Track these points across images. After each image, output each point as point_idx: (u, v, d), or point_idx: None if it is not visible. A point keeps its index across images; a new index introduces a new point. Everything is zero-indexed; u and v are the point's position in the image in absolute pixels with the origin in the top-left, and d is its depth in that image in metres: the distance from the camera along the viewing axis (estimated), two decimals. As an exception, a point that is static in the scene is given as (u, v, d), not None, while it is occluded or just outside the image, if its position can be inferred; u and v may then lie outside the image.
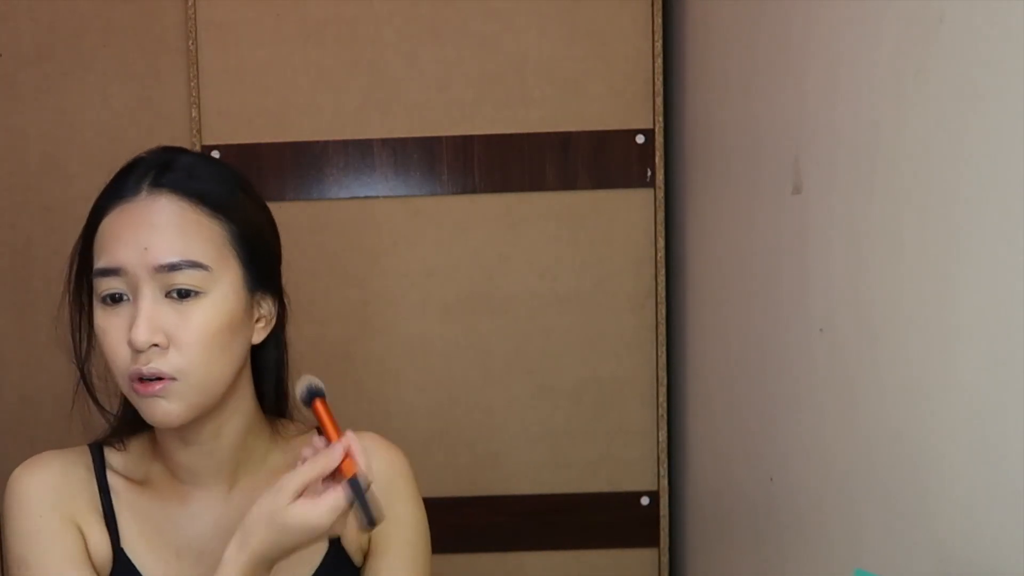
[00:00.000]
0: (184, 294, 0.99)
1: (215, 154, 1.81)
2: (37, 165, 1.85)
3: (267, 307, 1.08)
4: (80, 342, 1.07)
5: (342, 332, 1.86)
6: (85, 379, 1.09)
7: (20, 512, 1.06)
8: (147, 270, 0.99)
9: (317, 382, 1.02)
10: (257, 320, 1.07)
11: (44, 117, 1.85)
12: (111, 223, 1.02)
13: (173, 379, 0.99)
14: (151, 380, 0.98)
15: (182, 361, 0.99)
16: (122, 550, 1.08)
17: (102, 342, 1.01)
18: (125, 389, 1.02)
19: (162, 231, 1.00)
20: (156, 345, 0.98)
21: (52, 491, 1.07)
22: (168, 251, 0.99)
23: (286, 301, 1.12)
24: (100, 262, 1.01)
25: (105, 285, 1.00)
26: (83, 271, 1.05)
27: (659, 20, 1.82)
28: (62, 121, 1.85)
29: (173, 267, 0.99)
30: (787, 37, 1.28)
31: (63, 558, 1.05)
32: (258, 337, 1.08)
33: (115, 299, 1.00)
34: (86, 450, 1.11)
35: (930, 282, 0.92)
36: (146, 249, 0.99)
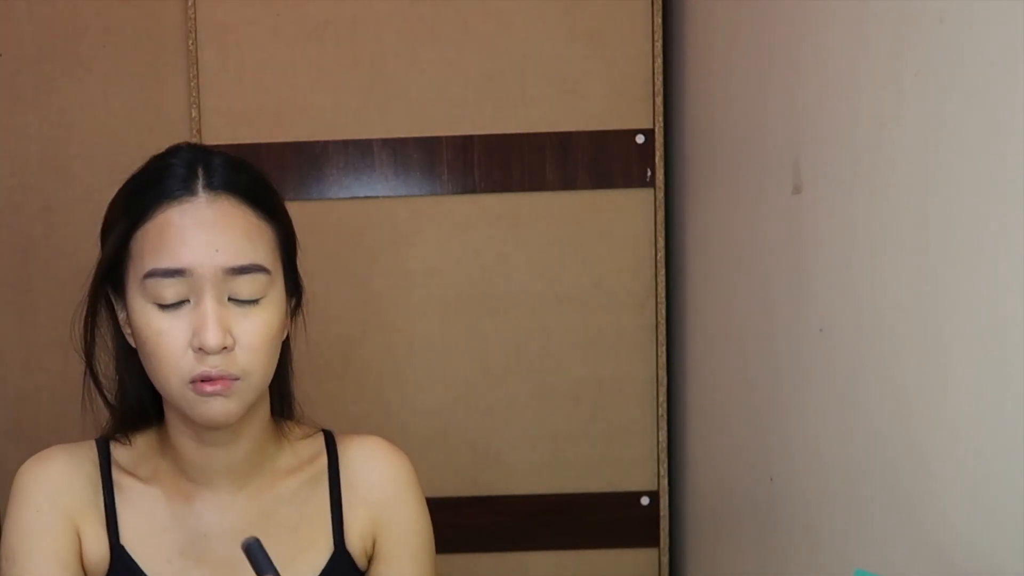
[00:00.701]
0: (246, 299, 1.00)
1: (215, 154, 1.82)
2: (37, 165, 1.85)
3: (290, 307, 1.09)
4: (91, 340, 1.08)
5: (342, 332, 1.86)
6: (95, 376, 1.09)
7: (19, 505, 1.08)
8: (216, 272, 0.98)
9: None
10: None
11: (44, 117, 1.85)
12: (169, 224, 1.00)
13: (237, 379, 1.00)
14: (215, 379, 0.99)
15: (247, 362, 1.00)
16: (121, 546, 1.08)
17: (154, 343, 1.00)
18: (177, 391, 1.00)
19: (230, 234, 1.00)
20: (225, 348, 0.98)
21: (53, 487, 1.08)
22: (239, 254, 0.99)
23: (304, 303, 1.12)
24: (161, 263, 0.99)
25: (164, 287, 0.99)
26: (112, 271, 1.04)
27: (659, 20, 1.82)
28: (62, 121, 1.85)
29: (243, 270, 0.99)
30: (787, 37, 1.28)
31: (49, 555, 1.05)
32: (282, 336, 1.08)
33: (173, 302, 0.99)
34: (93, 445, 1.12)
35: (930, 282, 0.92)
36: (217, 251, 0.99)
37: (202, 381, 0.99)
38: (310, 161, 1.84)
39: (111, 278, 1.05)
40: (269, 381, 1.05)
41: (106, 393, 1.10)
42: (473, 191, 1.85)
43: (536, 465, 1.89)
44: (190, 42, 1.81)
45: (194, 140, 1.81)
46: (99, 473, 1.10)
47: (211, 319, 0.98)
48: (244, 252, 1.00)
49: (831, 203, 1.15)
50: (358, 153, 1.84)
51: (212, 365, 0.98)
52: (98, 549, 1.08)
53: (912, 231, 0.95)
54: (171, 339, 0.99)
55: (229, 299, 1.00)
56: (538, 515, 1.90)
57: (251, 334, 1.00)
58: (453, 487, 1.89)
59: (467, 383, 1.88)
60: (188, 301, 0.99)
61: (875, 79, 1.02)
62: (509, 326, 1.87)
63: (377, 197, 1.85)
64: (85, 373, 1.09)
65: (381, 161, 1.84)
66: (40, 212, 1.85)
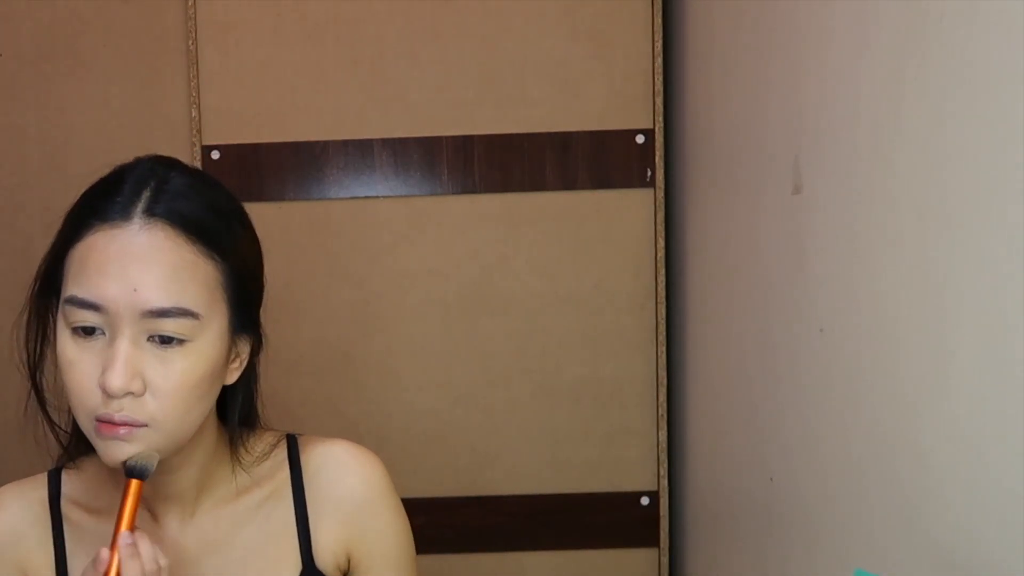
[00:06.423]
0: (167, 340, 0.92)
1: (215, 154, 1.81)
2: (37, 165, 1.85)
3: (244, 347, 1.02)
4: (35, 353, 1.02)
5: (342, 332, 1.86)
6: (38, 391, 1.03)
7: None
8: (133, 313, 0.91)
9: (147, 463, 0.94)
10: (232, 360, 1.01)
11: (44, 117, 1.85)
12: (94, 249, 0.93)
13: (144, 426, 0.92)
14: (116, 423, 0.91)
15: (157, 409, 0.92)
16: None
17: (66, 373, 0.93)
18: (85, 427, 0.94)
19: (155, 271, 0.91)
20: (131, 393, 0.91)
21: (2, 537, 1.04)
22: (159, 296, 0.91)
23: (263, 337, 1.04)
24: (79, 291, 0.92)
25: (79, 317, 0.92)
26: (49, 286, 0.98)
27: (659, 20, 1.82)
28: (62, 121, 1.85)
29: (163, 313, 0.91)
30: (787, 37, 1.28)
31: None
32: (231, 378, 1.01)
33: (88, 331, 0.93)
34: (44, 480, 1.07)
35: (929, 282, 0.92)
36: (135, 290, 0.91)
37: (104, 422, 0.91)
38: (310, 161, 1.84)
39: (53, 288, 0.98)
40: (191, 430, 0.96)
41: (50, 412, 1.04)
42: (473, 191, 1.85)
43: (536, 465, 1.89)
44: (190, 42, 1.81)
45: (194, 140, 1.82)
46: (48, 513, 1.05)
47: (119, 360, 0.90)
48: (167, 293, 0.91)
49: (831, 203, 1.15)
50: (358, 153, 1.84)
51: (116, 409, 0.91)
52: None
53: (912, 231, 0.95)
54: (80, 372, 0.92)
55: (150, 338, 0.92)
56: (538, 515, 1.90)
57: (166, 380, 0.92)
58: (453, 487, 1.89)
59: (467, 383, 1.88)
60: (104, 333, 0.92)
61: (875, 79, 1.02)
62: (509, 326, 1.87)
63: (377, 197, 1.85)
64: (29, 392, 1.02)
65: (381, 161, 1.84)
66: (40, 212, 1.85)
